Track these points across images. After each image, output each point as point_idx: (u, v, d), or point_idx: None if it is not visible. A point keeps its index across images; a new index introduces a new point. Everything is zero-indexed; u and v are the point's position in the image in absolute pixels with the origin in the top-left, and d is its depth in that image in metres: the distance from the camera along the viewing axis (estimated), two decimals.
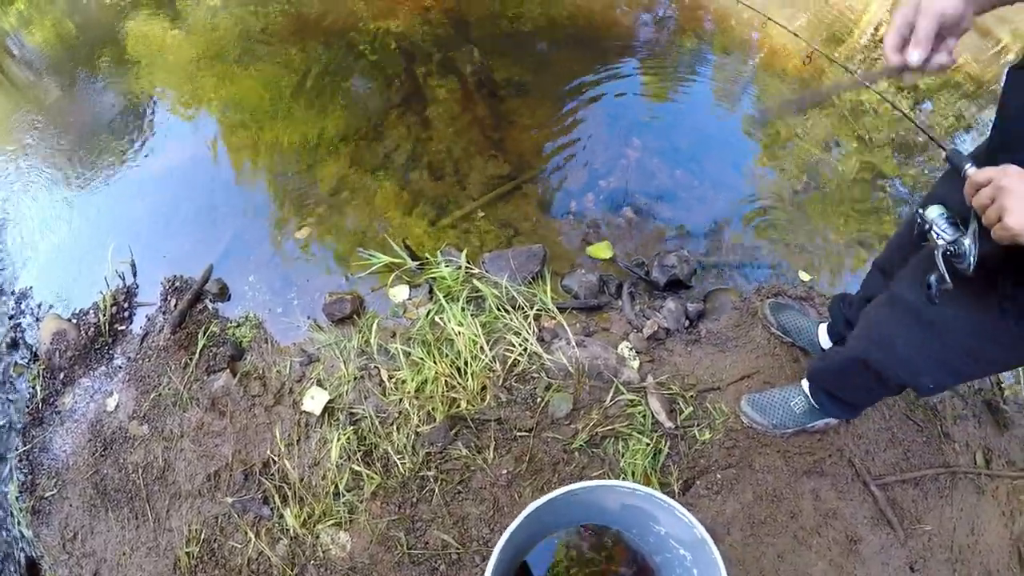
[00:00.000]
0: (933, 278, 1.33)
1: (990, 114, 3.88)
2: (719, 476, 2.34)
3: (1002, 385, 2.70)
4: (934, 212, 1.39)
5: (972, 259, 1.25)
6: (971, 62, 4.26)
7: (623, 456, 2.34)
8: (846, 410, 2.20)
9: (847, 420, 2.43)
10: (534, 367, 2.55)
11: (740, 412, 2.47)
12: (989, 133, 1.36)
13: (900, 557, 2.23)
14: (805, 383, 2.31)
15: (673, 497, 1.85)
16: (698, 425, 2.43)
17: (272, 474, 2.42)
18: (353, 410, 2.51)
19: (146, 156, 3.65)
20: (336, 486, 2.34)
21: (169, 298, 2.96)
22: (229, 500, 2.37)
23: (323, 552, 2.24)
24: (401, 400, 2.49)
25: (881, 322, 1.78)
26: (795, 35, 3.19)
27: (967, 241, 1.26)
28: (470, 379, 2.48)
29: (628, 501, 1.80)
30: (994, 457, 2.49)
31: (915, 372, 1.73)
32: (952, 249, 1.30)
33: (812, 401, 2.27)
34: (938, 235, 1.36)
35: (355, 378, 2.58)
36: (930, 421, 2.53)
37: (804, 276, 2.95)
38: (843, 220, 3.21)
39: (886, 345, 1.76)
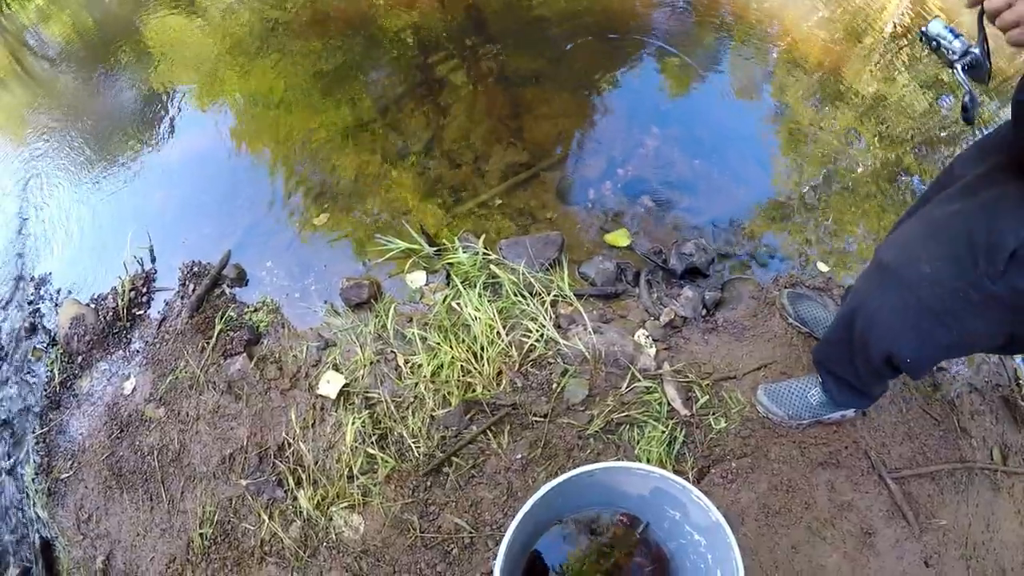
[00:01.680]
0: (966, 99, 1.39)
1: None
2: (734, 465, 2.32)
3: (1020, 381, 2.67)
4: (937, 26, 1.45)
5: (988, 63, 1.33)
6: (994, 56, 4.22)
7: (638, 443, 2.33)
8: (855, 397, 2.17)
9: (863, 412, 2.41)
10: (550, 353, 2.54)
11: (756, 402, 2.45)
12: None
13: (914, 551, 2.21)
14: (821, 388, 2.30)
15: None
16: (714, 414, 2.42)
17: (287, 457, 2.42)
18: (369, 394, 2.51)
19: (166, 145, 3.68)
20: (350, 469, 2.34)
21: (187, 283, 2.97)
22: (243, 482, 2.38)
23: (336, 534, 2.25)
24: (417, 384, 2.49)
25: (863, 283, 1.80)
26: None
27: (977, 50, 1.29)
28: (486, 364, 2.48)
29: (644, 485, 1.79)
30: (1011, 454, 2.47)
31: (893, 337, 1.71)
32: (968, 62, 1.34)
33: (823, 388, 2.26)
34: (947, 49, 1.42)
35: (371, 362, 2.59)
36: (947, 416, 2.50)
37: (822, 267, 2.93)
38: (862, 213, 3.19)
39: (865, 305, 1.76)
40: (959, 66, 1.35)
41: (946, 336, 1.61)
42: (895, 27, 4.35)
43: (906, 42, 4.20)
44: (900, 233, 1.73)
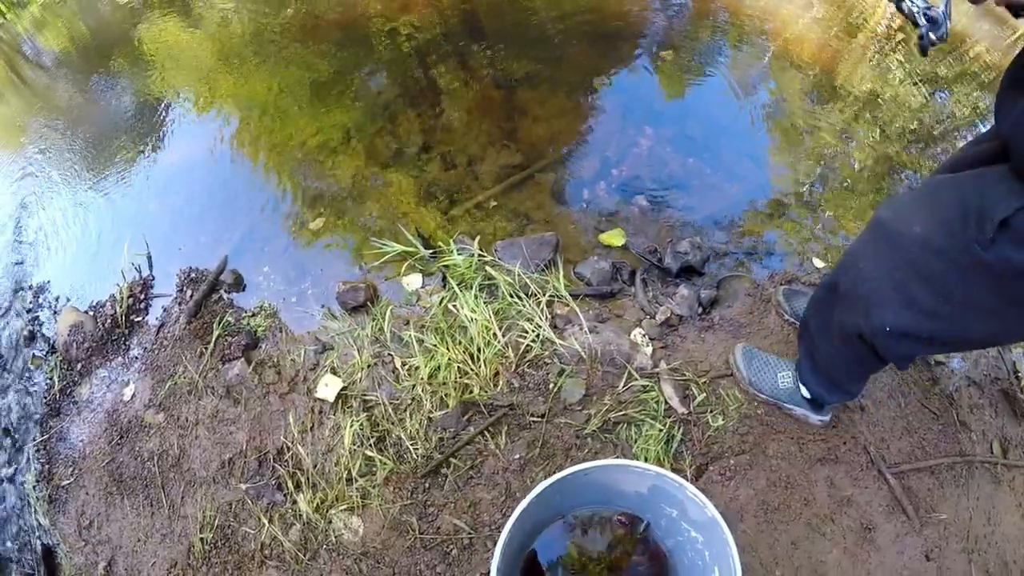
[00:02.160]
0: (922, 28, 1.44)
1: None
2: (732, 462, 2.32)
3: (1019, 374, 2.67)
4: None
5: (947, 23, 1.41)
6: (989, 51, 4.23)
7: (636, 442, 2.33)
8: (823, 383, 2.15)
9: (824, 418, 2.37)
10: (547, 353, 2.55)
11: (731, 354, 2.51)
12: None
13: (915, 546, 2.21)
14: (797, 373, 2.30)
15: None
16: (711, 411, 2.42)
17: (286, 460, 2.43)
18: (366, 397, 2.52)
19: (161, 152, 3.70)
20: (349, 472, 2.34)
21: (185, 289, 2.98)
22: (243, 486, 2.39)
23: (335, 537, 2.25)
24: (414, 387, 2.49)
25: (856, 243, 1.79)
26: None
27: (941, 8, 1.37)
28: (483, 365, 2.49)
29: (640, 482, 1.80)
30: (1011, 447, 2.46)
31: (878, 298, 1.67)
32: (928, 17, 1.42)
33: (797, 368, 2.26)
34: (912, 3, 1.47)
35: (368, 365, 2.59)
36: (946, 410, 2.50)
37: (818, 263, 2.93)
38: (858, 208, 3.19)
39: (854, 262, 1.75)
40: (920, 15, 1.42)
41: (930, 301, 1.57)
42: (889, 23, 4.36)
43: (901, 37, 4.20)
44: (899, 196, 1.76)
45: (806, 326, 2.12)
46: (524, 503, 1.61)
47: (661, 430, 2.33)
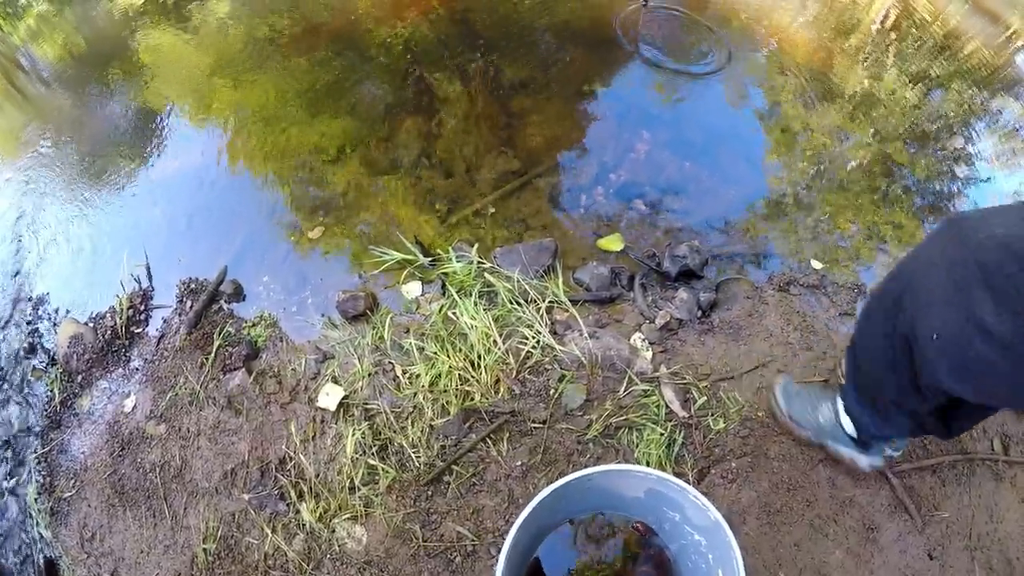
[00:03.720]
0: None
1: (1001, 103, 3.86)
2: (734, 465, 2.33)
3: None
4: None
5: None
6: (982, 48, 4.24)
7: (637, 446, 2.34)
8: (868, 411, 1.94)
9: (868, 451, 2.16)
10: (547, 359, 2.55)
11: (770, 390, 2.40)
12: None
13: (918, 545, 2.21)
14: (839, 399, 2.13)
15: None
16: (712, 414, 2.42)
17: (288, 470, 2.43)
18: (368, 405, 2.52)
19: (160, 162, 3.69)
20: (352, 480, 2.34)
21: (184, 300, 2.98)
22: (246, 497, 2.39)
23: (339, 546, 2.25)
24: (415, 394, 2.50)
25: (918, 245, 1.57)
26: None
27: None
28: (483, 372, 2.49)
29: (642, 487, 1.80)
30: (1012, 444, 2.47)
31: (932, 299, 1.42)
32: None
33: (842, 393, 2.08)
34: None
35: (369, 374, 2.59)
36: None
37: (816, 264, 2.94)
38: (855, 210, 3.20)
39: (910, 262, 1.55)
40: None
41: (991, 320, 1.28)
42: (883, 22, 4.37)
43: (895, 36, 4.22)
44: (984, 208, 1.45)
45: (855, 337, 1.89)
46: (527, 510, 1.61)
47: (662, 434, 2.34)
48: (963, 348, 1.35)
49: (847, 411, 2.08)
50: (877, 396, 1.85)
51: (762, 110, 3.74)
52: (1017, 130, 3.77)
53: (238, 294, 3.00)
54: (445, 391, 2.48)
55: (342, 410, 2.52)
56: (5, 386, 2.93)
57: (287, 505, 2.35)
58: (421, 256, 2.88)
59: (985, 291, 1.27)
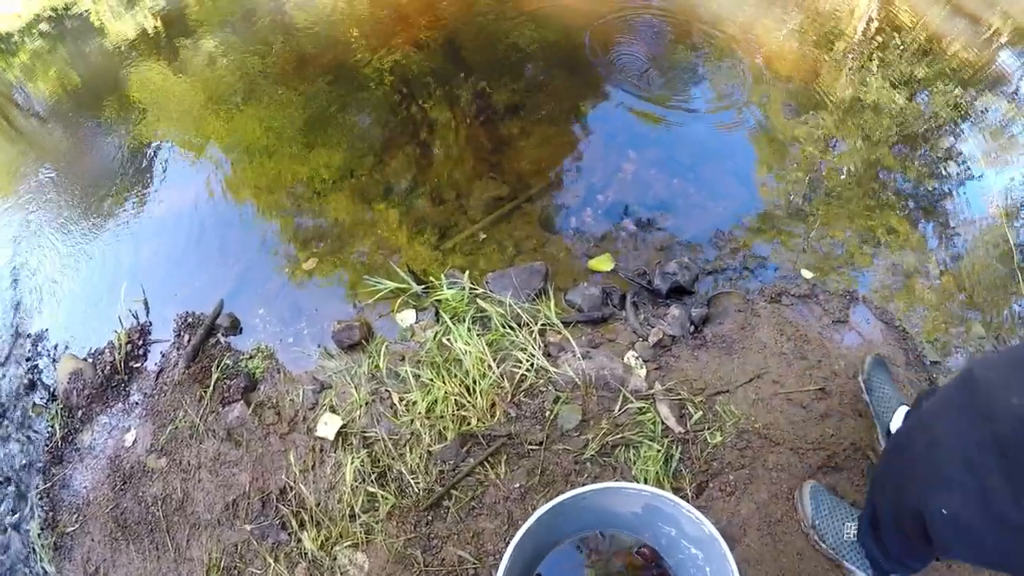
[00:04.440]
0: None
1: (986, 101, 3.90)
2: (732, 477, 2.34)
3: None
4: None
5: None
6: (965, 48, 4.28)
7: (635, 463, 2.35)
8: (880, 552, 1.89)
9: None
10: (541, 381, 2.57)
11: (799, 492, 2.28)
12: None
13: None
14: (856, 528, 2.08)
15: (687, 501, 1.86)
16: (708, 428, 2.44)
17: (289, 500, 2.44)
18: (366, 433, 2.54)
19: (154, 197, 3.72)
20: (352, 508, 2.36)
21: (182, 334, 3.01)
22: (248, 527, 2.40)
23: (341, 573, 2.26)
24: (412, 421, 2.52)
25: (943, 392, 1.55)
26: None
27: None
28: (479, 397, 2.51)
29: (638, 503, 1.82)
30: None
31: (941, 470, 1.39)
32: None
33: (859, 522, 2.05)
34: None
35: (367, 402, 2.61)
36: None
37: (807, 274, 2.96)
38: (846, 218, 3.23)
39: (928, 424, 1.53)
40: None
41: (1002, 499, 1.23)
42: (866, 28, 4.42)
43: (878, 42, 4.26)
44: (1004, 352, 1.47)
45: (873, 477, 1.89)
46: (521, 531, 1.63)
47: (659, 450, 2.35)
48: (967, 535, 1.33)
49: (859, 536, 2.03)
50: (885, 542, 1.83)
51: (747, 122, 3.76)
52: (1004, 127, 3.80)
53: (235, 327, 3.03)
54: (442, 417, 2.50)
55: (340, 439, 2.54)
56: (6, 423, 2.95)
57: (289, 534, 2.37)
58: (414, 284, 2.91)
59: (997, 464, 1.24)
